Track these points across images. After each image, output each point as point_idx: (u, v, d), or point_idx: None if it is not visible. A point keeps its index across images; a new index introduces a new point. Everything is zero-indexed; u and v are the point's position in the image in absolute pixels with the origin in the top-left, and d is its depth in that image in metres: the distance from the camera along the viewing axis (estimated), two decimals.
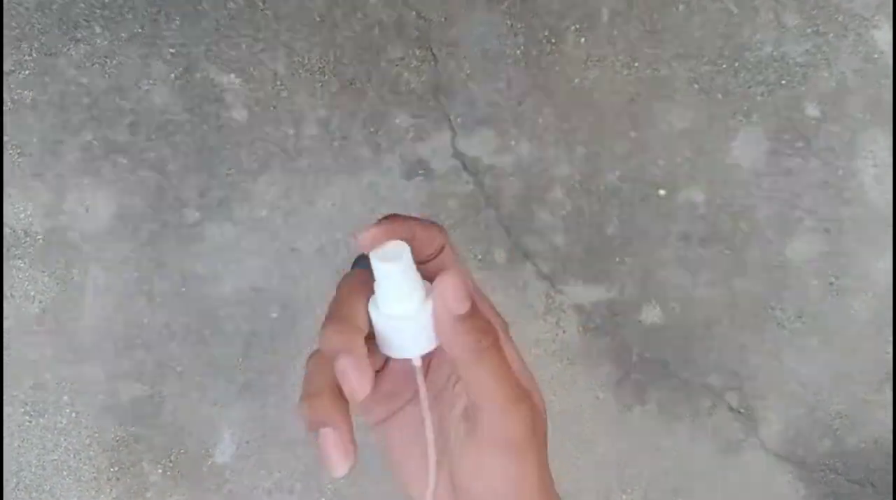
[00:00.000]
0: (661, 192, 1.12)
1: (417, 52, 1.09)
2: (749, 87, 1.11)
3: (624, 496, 1.16)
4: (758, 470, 1.15)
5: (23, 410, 1.15)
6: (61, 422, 1.16)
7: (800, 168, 1.12)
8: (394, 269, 0.37)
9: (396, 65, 1.09)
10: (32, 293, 1.14)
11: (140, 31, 1.11)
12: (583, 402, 1.14)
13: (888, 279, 1.14)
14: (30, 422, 1.16)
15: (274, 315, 1.14)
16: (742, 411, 1.15)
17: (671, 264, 1.13)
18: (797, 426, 1.15)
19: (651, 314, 1.13)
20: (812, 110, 1.12)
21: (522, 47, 1.08)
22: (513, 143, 1.11)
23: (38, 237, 1.13)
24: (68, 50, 1.09)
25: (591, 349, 1.14)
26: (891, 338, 1.15)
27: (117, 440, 1.16)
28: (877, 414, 1.15)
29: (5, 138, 1.12)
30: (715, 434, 1.15)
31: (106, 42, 1.09)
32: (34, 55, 1.09)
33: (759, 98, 1.11)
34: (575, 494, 1.16)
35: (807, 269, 1.14)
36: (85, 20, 1.11)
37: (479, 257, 1.13)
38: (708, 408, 1.14)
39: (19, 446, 1.16)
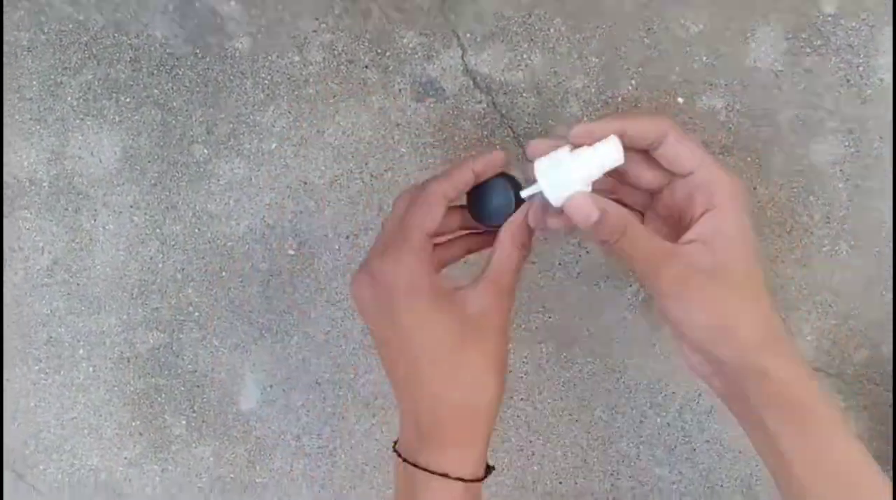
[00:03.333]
0: (680, 99, 1.09)
1: None
2: None
3: (658, 419, 1.14)
4: None
5: (38, 367, 1.12)
6: (78, 378, 1.13)
7: (819, 67, 1.09)
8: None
9: None
10: (41, 244, 1.11)
11: None
12: (610, 324, 1.12)
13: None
14: (45, 380, 1.13)
15: (291, 252, 1.11)
16: None
17: None
18: (832, 337, 1.12)
19: None
20: (828, 6, 1.09)
21: None
22: (525, 57, 1.08)
23: (44, 185, 1.10)
24: None
25: (616, 270, 1.11)
26: None
27: (138, 393, 1.13)
28: None
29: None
30: None
31: None
32: None
33: None
34: (608, 420, 1.13)
35: (832, 172, 1.11)
36: None
37: None
38: None
39: (36, 405, 1.13)
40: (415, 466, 0.71)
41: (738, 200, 0.66)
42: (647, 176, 0.70)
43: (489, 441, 0.76)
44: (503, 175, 0.78)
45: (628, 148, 0.65)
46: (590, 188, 0.65)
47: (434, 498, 0.69)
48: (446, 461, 0.70)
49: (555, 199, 0.66)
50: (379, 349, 0.74)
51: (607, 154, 0.62)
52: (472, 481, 0.71)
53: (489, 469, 0.77)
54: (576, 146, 0.65)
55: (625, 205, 0.69)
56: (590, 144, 0.64)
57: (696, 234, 0.65)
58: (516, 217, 0.72)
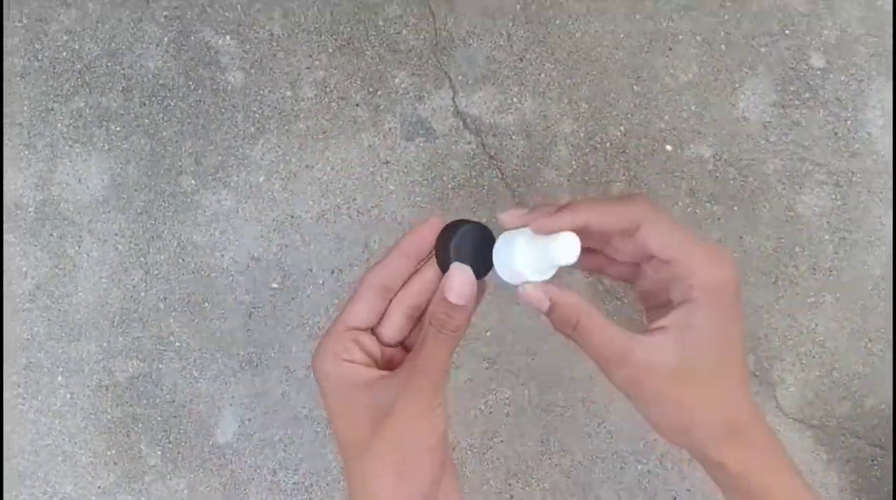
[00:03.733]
0: (668, 147, 1.10)
1: (415, 10, 1.07)
2: (753, 37, 1.09)
3: (639, 466, 1.13)
4: (777, 436, 1.12)
5: (15, 392, 1.11)
6: (55, 404, 1.12)
7: (807, 120, 1.10)
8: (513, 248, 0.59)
9: (394, 23, 1.07)
10: (24, 269, 1.10)
11: None
12: (594, 368, 1.10)
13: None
14: (22, 405, 1.11)
15: (274, 285, 1.11)
16: (758, 374, 1.12)
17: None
18: (815, 389, 1.12)
19: None
20: (817, 60, 1.10)
21: (522, 1, 1.07)
22: (515, 100, 1.09)
23: (30, 210, 1.10)
24: (59, 15, 1.07)
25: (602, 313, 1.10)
26: None
27: (114, 422, 1.12)
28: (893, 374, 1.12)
29: None
30: None
31: (97, 6, 1.07)
32: (24, 21, 1.07)
33: (762, 49, 1.09)
34: (589, 465, 1.12)
35: (818, 223, 1.11)
36: None
37: (484, 220, 1.10)
38: None
39: (12, 430, 1.12)
40: None
41: (717, 296, 0.59)
42: (626, 249, 0.64)
43: None
44: (472, 223, 0.66)
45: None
46: (551, 273, 0.60)
47: None
48: None
49: (510, 281, 0.61)
50: None
51: (559, 250, 0.54)
52: None
53: None
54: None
55: (611, 273, 0.68)
56: (547, 232, 0.56)
57: (668, 322, 0.60)
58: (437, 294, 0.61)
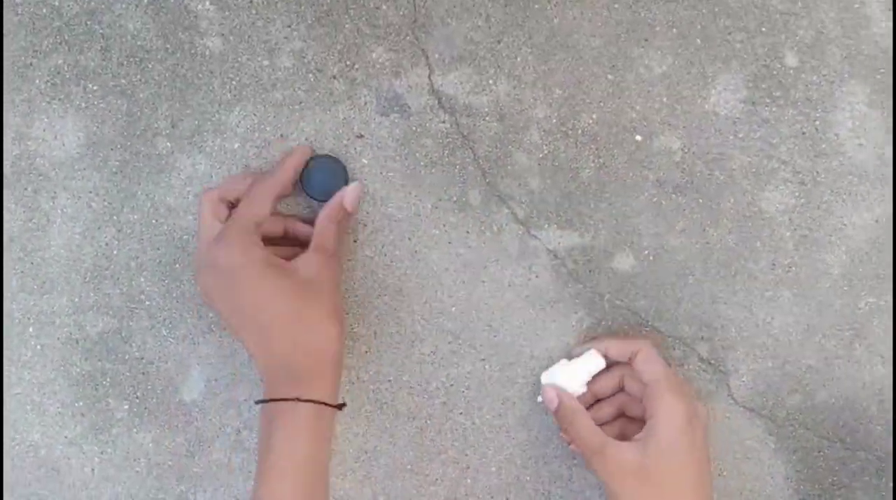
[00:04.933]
0: (638, 137, 1.11)
1: None
2: (729, 33, 1.10)
3: None
4: (728, 423, 1.16)
5: None
6: (26, 354, 1.15)
7: (776, 118, 1.12)
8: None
9: None
10: None
11: None
12: (554, 348, 1.14)
13: (862, 235, 1.14)
14: None
15: None
16: (712, 362, 1.15)
17: (645, 211, 1.12)
18: (767, 380, 1.15)
19: (624, 262, 1.13)
20: (791, 59, 1.11)
21: None
22: (490, 82, 1.10)
23: (6, 163, 1.11)
24: None
25: (564, 295, 1.13)
26: (862, 293, 1.15)
27: (83, 375, 1.15)
28: (847, 370, 1.16)
29: None
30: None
31: None
32: None
33: (738, 45, 1.10)
34: (545, 441, 1.16)
35: (781, 220, 1.14)
36: None
37: (454, 198, 1.12)
38: (679, 358, 1.14)
39: None
40: (271, 400, 0.88)
41: (675, 419, 0.87)
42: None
43: (339, 380, 0.93)
44: (329, 157, 1.07)
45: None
46: (585, 388, 1.03)
47: (285, 421, 0.85)
48: (298, 391, 0.85)
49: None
50: (229, 324, 0.92)
51: (591, 362, 1.02)
52: (321, 403, 0.86)
53: (342, 406, 0.92)
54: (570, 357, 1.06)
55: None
56: (577, 356, 1.05)
57: (641, 433, 0.89)
58: (334, 200, 0.98)
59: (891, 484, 1.16)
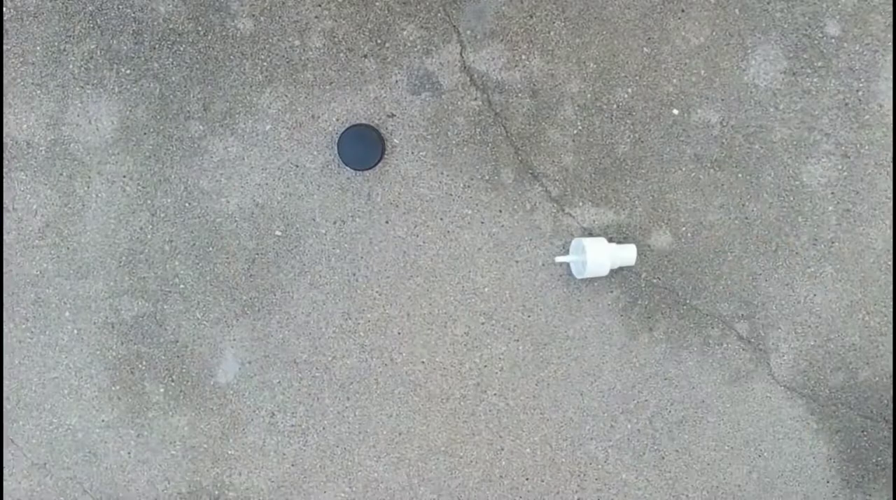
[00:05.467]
0: (675, 111, 1.09)
1: None
2: (768, 2, 1.07)
3: (629, 425, 1.14)
4: (768, 402, 1.13)
5: (24, 326, 1.15)
6: (63, 339, 1.15)
7: (818, 89, 1.09)
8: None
9: None
10: (34, 206, 1.13)
11: None
12: (589, 328, 1.12)
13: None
14: (31, 339, 1.15)
15: (278, 233, 1.12)
16: (752, 340, 1.12)
17: (683, 186, 1.10)
18: (809, 358, 1.12)
19: (661, 239, 1.11)
20: (832, 28, 1.08)
21: None
22: (523, 57, 1.08)
23: (41, 149, 1.12)
24: None
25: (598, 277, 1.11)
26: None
27: (119, 359, 1.15)
28: (891, 347, 1.13)
29: (7, 47, 1.11)
30: (724, 364, 1.13)
31: None
32: None
33: (777, 14, 1.08)
34: (579, 422, 1.14)
35: (823, 194, 1.11)
36: None
37: (486, 177, 1.11)
38: (717, 337, 1.12)
39: (20, 363, 1.15)
40: None
41: None
42: None
43: None
44: (364, 126, 1.05)
45: None
46: (607, 271, 1.05)
47: None
48: None
49: (579, 271, 1.09)
50: None
51: (629, 253, 1.03)
52: None
53: None
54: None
55: None
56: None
57: None
58: None
59: None
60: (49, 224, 1.13)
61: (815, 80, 1.09)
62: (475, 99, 1.09)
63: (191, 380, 1.15)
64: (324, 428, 1.15)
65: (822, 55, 1.08)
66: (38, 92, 1.11)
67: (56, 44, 1.11)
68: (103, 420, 1.16)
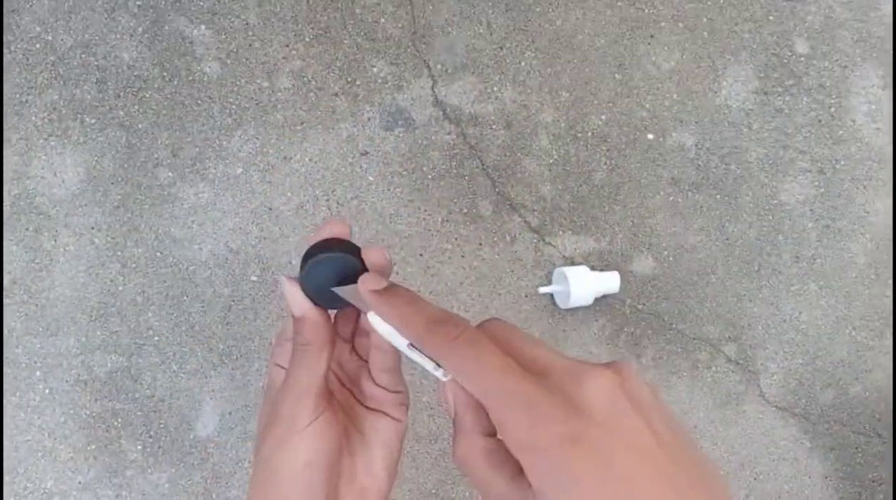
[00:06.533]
0: (650, 136, 1.08)
1: None
2: (736, 24, 1.08)
3: None
4: (760, 424, 1.12)
5: None
6: (34, 399, 1.11)
7: (790, 107, 1.09)
8: None
9: (372, 11, 1.06)
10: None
11: None
12: (576, 358, 1.10)
13: (885, 220, 1.11)
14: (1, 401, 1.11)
15: (254, 278, 1.10)
16: (741, 362, 1.11)
17: (662, 210, 1.09)
18: (798, 376, 1.11)
19: (643, 264, 1.10)
20: (801, 46, 1.09)
21: None
22: (495, 89, 1.07)
23: (5, 203, 1.09)
24: (31, 6, 1.05)
25: (584, 308, 1.09)
26: (890, 281, 1.12)
27: (93, 417, 1.11)
28: (879, 360, 1.12)
29: None
30: (714, 387, 1.11)
31: None
32: None
33: (746, 35, 1.08)
34: None
35: (801, 211, 1.10)
36: None
37: (465, 210, 1.09)
38: (706, 360, 1.11)
39: None
40: None
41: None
42: None
43: None
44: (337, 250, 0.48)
45: None
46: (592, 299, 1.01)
47: None
48: None
49: (563, 301, 1.04)
50: None
51: (612, 281, 1.02)
52: None
53: None
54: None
55: None
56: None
57: None
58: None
59: None
60: (16, 281, 1.10)
61: (786, 98, 1.09)
62: (449, 133, 1.08)
63: (169, 435, 1.11)
64: None
65: (793, 73, 1.09)
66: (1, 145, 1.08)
67: (17, 96, 1.08)
68: (80, 482, 1.11)
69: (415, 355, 0.40)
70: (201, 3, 1.06)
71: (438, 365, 0.37)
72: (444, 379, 0.37)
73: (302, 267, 0.48)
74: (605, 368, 0.35)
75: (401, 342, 0.40)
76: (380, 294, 0.39)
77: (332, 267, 0.46)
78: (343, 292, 0.43)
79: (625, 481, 0.31)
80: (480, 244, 1.09)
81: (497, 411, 0.34)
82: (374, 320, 0.40)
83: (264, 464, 0.45)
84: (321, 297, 0.46)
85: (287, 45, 1.07)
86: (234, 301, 1.10)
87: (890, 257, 1.10)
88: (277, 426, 0.45)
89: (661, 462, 0.32)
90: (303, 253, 0.47)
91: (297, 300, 0.45)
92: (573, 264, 1.09)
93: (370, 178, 1.08)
